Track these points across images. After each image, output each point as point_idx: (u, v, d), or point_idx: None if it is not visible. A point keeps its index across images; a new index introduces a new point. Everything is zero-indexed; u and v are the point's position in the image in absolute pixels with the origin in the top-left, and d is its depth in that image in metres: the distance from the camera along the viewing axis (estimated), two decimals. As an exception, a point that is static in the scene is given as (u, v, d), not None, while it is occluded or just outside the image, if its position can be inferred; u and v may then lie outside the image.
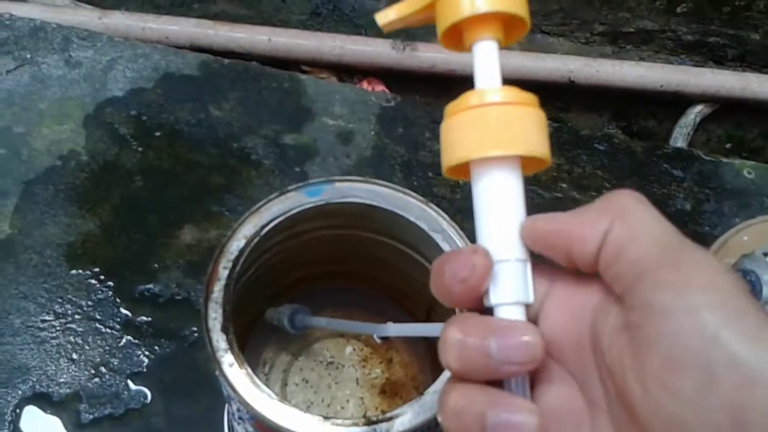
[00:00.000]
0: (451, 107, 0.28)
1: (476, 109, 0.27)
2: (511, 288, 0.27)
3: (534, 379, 0.27)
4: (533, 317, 0.28)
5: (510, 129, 0.26)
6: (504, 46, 0.28)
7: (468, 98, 0.27)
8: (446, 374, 0.41)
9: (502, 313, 0.27)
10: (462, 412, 0.26)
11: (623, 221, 0.25)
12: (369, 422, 0.39)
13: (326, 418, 0.39)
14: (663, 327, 0.23)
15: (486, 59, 0.28)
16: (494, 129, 0.26)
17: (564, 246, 0.26)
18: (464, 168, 0.28)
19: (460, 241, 0.46)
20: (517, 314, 0.27)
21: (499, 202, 0.27)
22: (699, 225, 0.73)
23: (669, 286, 0.23)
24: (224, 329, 0.41)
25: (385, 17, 0.30)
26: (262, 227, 0.45)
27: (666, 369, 0.22)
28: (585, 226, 0.26)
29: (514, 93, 0.27)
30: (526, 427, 0.25)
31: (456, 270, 0.26)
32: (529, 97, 0.27)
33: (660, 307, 0.23)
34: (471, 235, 0.30)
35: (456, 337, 0.26)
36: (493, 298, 0.27)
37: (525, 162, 0.27)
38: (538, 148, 0.27)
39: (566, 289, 0.27)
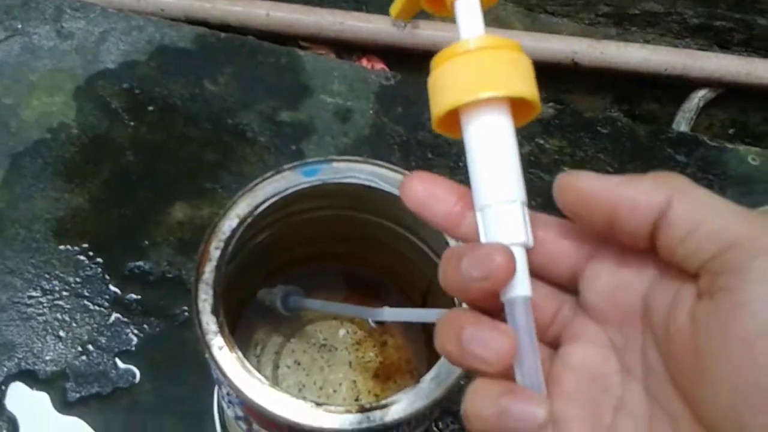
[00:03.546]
0: (437, 59, 0.27)
1: (462, 56, 0.27)
2: (507, 229, 0.26)
3: (568, 337, 0.28)
4: (576, 274, 0.27)
5: (498, 71, 0.26)
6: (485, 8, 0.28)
7: (453, 48, 0.27)
8: (442, 360, 0.40)
9: None
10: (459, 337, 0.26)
11: (685, 197, 0.24)
12: (362, 410, 0.38)
13: (318, 404, 0.38)
14: (764, 292, 0.22)
15: (467, 12, 0.28)
16: (482, 72, 0.26)
17: (607, 210, 0.25)
18: (454, 120, 0.27)
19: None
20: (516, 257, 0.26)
21: (491, 144, 0.27)
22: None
23: None
24: (215, 311, 0.40)
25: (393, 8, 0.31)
26: (256, 207, 0.44)
27: (761, 335, 0.22)
28: (639, 193, 0.24)
29: (498, 39, 0.27)
30: (497, 345, 0.25)
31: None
32: (513, 43, 0.27)
33: (761, 272, 0.22)
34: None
35: (447, 256, 0.27)
36: (490, 239, 0.27)
37: (515, 110, 0.27)
38: (527, 90, 0.26)
39: (619, 256, 0.27)
